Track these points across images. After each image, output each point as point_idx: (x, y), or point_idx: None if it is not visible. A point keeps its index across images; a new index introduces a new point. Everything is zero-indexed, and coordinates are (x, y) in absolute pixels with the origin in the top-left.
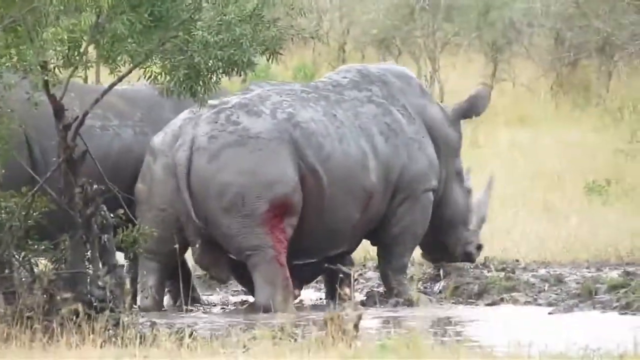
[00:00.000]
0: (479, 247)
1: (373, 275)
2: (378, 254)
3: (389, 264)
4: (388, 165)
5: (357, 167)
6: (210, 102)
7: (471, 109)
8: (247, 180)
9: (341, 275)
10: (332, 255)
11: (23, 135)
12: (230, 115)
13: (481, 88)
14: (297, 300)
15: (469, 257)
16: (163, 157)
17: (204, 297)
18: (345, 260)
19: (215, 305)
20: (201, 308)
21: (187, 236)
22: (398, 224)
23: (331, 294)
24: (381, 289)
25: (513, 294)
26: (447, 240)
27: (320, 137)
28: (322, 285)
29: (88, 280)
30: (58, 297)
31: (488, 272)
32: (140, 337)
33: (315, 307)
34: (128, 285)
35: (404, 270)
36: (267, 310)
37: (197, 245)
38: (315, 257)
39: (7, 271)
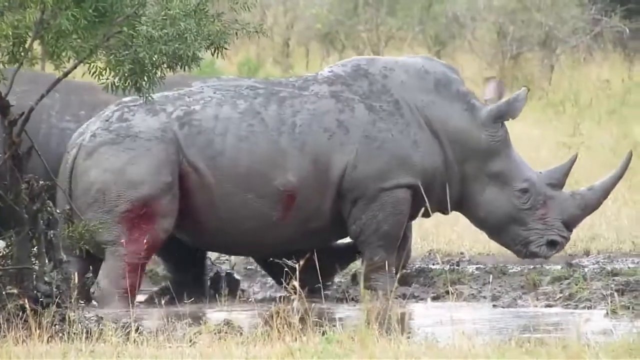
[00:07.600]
0: (551, 243)
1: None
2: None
3: (363, 262)
4: (323, 163)
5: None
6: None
7: (508, 111)
8: (110, 179)
9: (286, 269)
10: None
11: None
12: (123, 114)
13: (521, 91)
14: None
15: (535, 255)
16: (66, 152)
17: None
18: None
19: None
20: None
21: None
22: (355, 223)
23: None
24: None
25: (458, 286)
26: (500, 240)
27: (211, 134)
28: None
29: (34, 275)
30: (4, 293)
31: (432, 264)
32: (87, 332)
33: (261, 301)
34: (75, 280)
35: (378, 269)
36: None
37: None
38: (284, 253)
39: None
